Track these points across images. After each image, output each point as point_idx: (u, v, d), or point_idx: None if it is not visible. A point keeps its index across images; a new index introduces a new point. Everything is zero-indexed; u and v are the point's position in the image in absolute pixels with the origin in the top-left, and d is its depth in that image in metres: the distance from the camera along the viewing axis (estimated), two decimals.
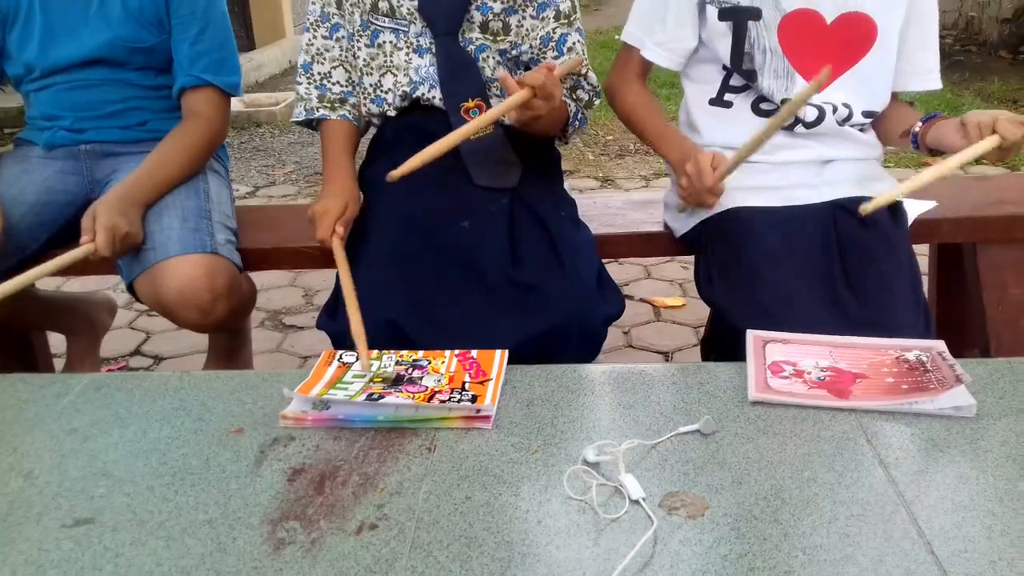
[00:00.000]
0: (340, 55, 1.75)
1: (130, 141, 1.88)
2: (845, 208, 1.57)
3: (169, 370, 2.53)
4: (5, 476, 1.09)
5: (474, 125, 1.48)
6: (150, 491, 1.05)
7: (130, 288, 1.73)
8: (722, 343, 1.80)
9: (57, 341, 2.28)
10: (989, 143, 1.44)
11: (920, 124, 1.60)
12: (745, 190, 1.61)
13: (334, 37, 1.74)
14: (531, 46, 1.71)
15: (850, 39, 1.63)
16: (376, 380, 1.25)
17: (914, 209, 1.81)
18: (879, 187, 1.63)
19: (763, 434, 1.13)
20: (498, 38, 1.69)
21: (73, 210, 1.82)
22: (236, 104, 5.48)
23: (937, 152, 1.59)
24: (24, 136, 1.94)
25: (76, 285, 3.00)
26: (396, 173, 1.40)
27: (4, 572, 0.93)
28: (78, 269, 1.68)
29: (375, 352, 1.34)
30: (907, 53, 1.66)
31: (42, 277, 1.51)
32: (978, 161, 4.54)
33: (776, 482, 1.03)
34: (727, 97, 1.69)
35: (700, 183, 1.55)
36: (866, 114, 1.68)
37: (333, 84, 1.76)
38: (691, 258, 1.83)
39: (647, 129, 1.75)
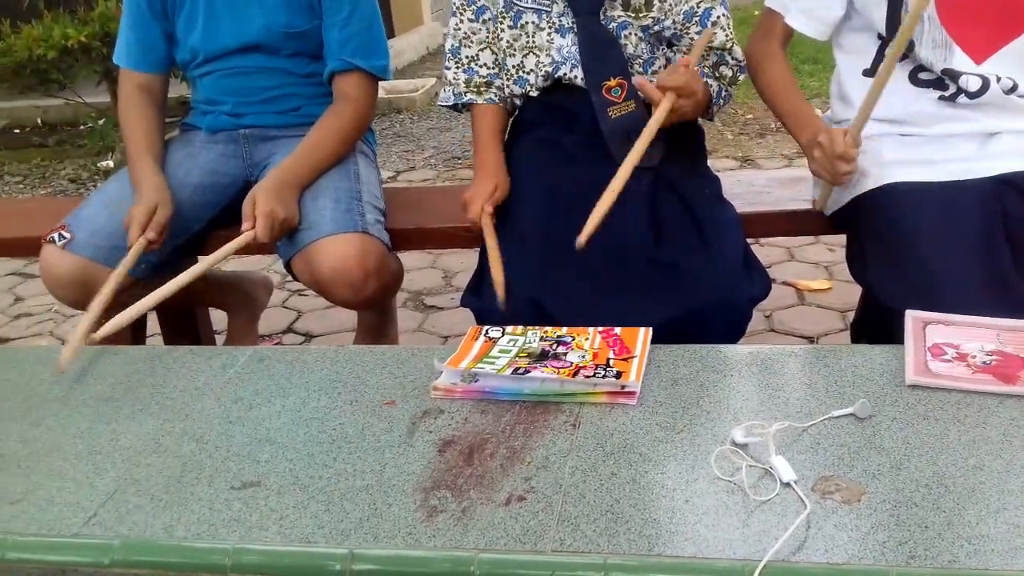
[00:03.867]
0: (487, 37, 1.77)
1: (285, 126, 1.97)
2: (1011, 184, 1.47)
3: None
4: (179, 440, 1.17)
5: (634, 154, 1.47)
6: (311, 458, 1.11)
7: (287, 267, 1.82)
8: (874, 326, 1.73)
9: (218, 318, 2.42)
10: None
11: None
12: (901, 164, 1.54)
13: (480, 19, 1.76)
14: (674, 21, 1.69)
15: (1013, 7, 1.52)
16: (522, 355, 1.27)
17: None
18: None
19: (923, 419, 1.08)
20: (640, 14, 1.67)
21: (234, 191, 1.93)
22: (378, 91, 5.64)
23: None
24: (189, 121, 2.07)
25: (235, 264, 3.17)
26: (583, 239, 1.40)
27: (179, 529, 1.00)
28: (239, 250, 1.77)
29: (520, 328, 1.36)
30: None
31: (209, 268, 1.60)
32: None
33: (938, 469, 0.99)
34: None
35: (831, 151, 1.47)
36: None
37: (481, 67, 1.78)
38: (838, 239, 1.77)
39: (782, 105, 1.68)
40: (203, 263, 1.61)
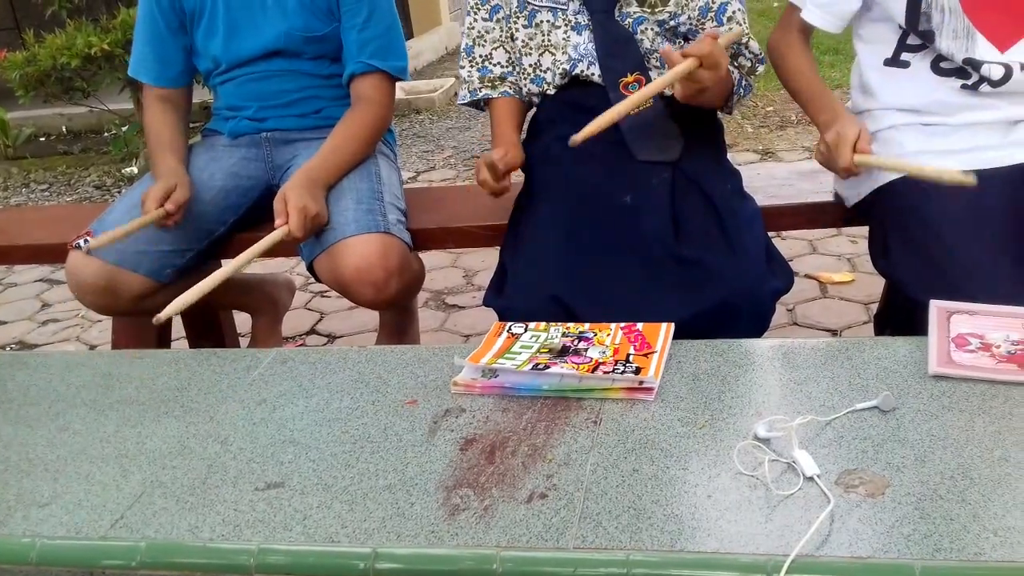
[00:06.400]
0: (500, 36, 1.78)
1: (307, 128, 1.99)
2: None
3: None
4: (204, 442, 1.18)
5: (641, 94, 1.48)
6: (334, 458, 1.11)
7: (310, 268, 1.83)
8: (898, 318, 1.72)
9: (241, 320, 2.45)
10: None
11: None
12: (924, 154, 1.52)
13: (494, 18, 1.77)
14: (689, 16, 1.68)
15: None
16: (543, 351, 1.27)
17: None
18: None
19: (948, 411, 1.07)
20: (656, 9, 1.67)
21: (256, 194, 1.95)
22: (396, 92, 5.70)
23: None
24: (211, 126, 2.09)
25: (259, 267, 3.20)
26: (578, 137, 1.42)
27: (204, 531, 1.00)
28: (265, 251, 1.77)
29: (543, 324, 1.36)
30: None
31: (246, 263, 1.61)
32: None
33: (963, 460, 0.98)
34: (904, 57, 1.60)
35: (834, 160, 1.51)
36: None
37: (495, 65, 1.79)
38: (860, 231, 1.76)
39: (802, 90, 1.69)
40: (242, 257, 1.60)
